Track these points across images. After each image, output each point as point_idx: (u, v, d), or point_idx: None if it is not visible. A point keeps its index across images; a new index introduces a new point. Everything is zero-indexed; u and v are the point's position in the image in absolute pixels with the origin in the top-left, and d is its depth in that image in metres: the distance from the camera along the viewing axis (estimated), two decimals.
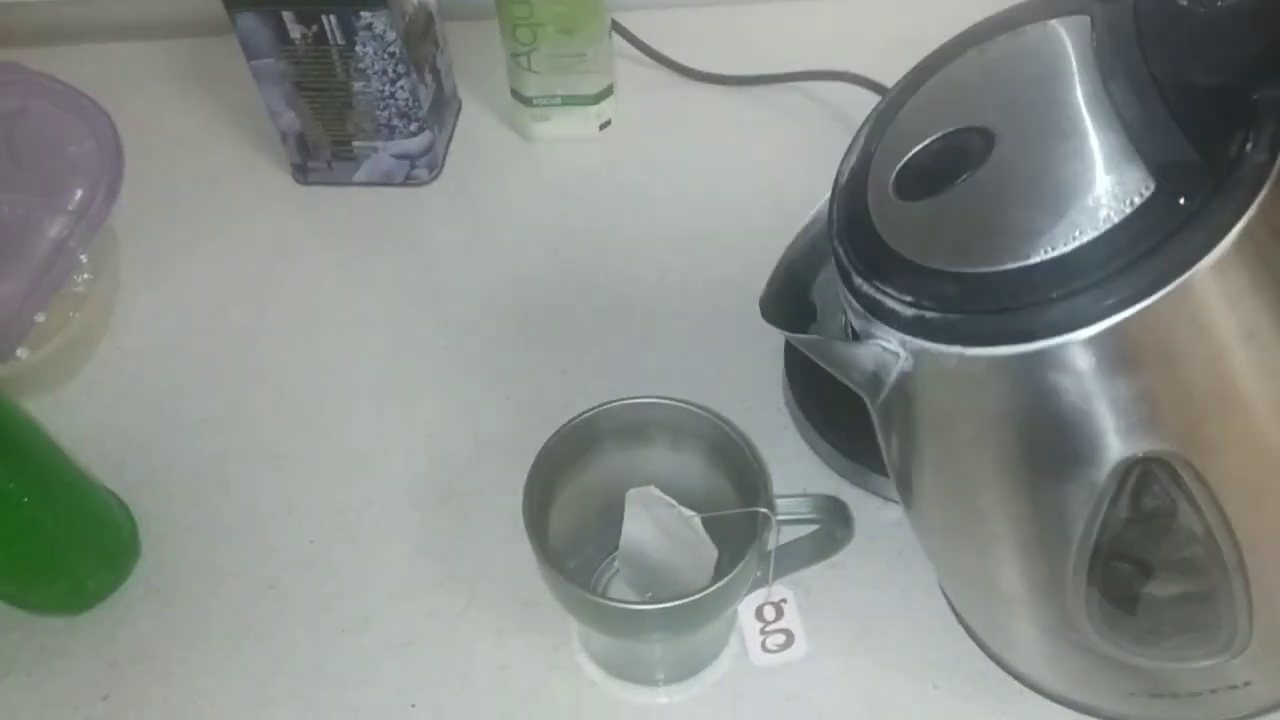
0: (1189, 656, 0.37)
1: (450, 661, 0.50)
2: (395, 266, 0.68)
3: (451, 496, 0.56)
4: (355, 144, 0.69)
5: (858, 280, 0.32)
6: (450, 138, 0.75)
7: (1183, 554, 0.33)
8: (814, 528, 0.46)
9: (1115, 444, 0.31)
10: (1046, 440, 0.32)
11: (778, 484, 0.54)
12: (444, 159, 0.73)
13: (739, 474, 0.44)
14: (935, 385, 0.33)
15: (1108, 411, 0.30)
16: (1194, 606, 0.36)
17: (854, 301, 0.33)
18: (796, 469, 0.56)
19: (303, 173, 0.72)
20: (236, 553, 0.54)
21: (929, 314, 0.30)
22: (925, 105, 0.36)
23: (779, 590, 0.47)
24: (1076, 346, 0.29)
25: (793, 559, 0.47)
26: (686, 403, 0.46)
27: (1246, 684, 0.39)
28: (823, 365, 0.36)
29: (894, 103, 0.37)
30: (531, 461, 0.44)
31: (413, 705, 0.48)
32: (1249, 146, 0.28)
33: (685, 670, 0.49)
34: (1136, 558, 0.34)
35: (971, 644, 0.49)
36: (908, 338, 0.31)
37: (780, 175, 0.72)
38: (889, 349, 0.32)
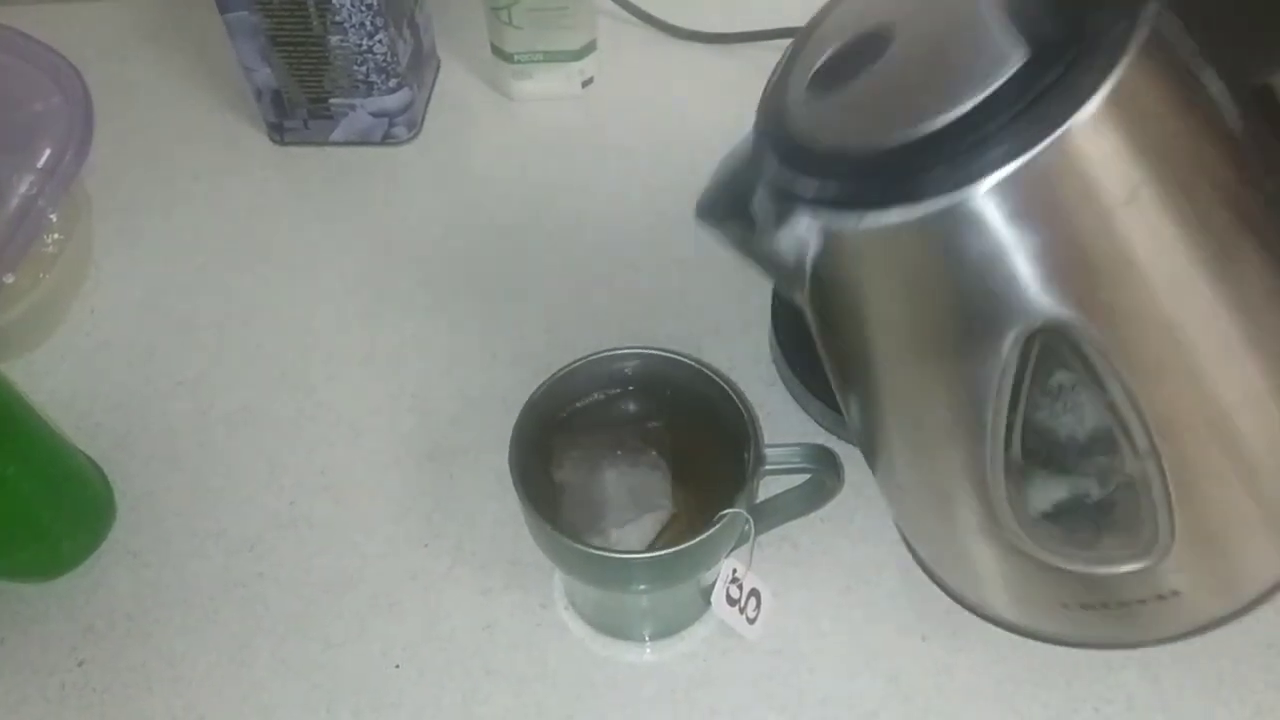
0: (1114, 559, 0.37)
1: (435, 621, 0.49)
2: (375, 226, 0.66)
3: (436, 455, 0.55)
4: (332, 101, 0.68)
5: (773, 169, 0.35)
6: (429, 96, 0.73)
7: (1093, 438, 0.34)
8: (804, 478, 0.45)
9: (1014, 313, 0.31)
10: (947, 314, 0.33)
11: (773, 434, 0.54)
12: (423, 118, 0.72)
13: (729, 424, 0.43)
14: (846, 266, 0.35)
15: (1003, 280, 0.31)
16: (1113, 499, 0.36)
17: (770, 190, 0.35)
18: (783, 425, 0.55)
19: (279, 132, 0.70)
20: (216, 514, 0.53)
21: (830, 186, 0.33)
22: (843, 13, 0.39)
23: (751, 580, 0.47)
24: (962, 208, 0.30)
25: (782, 511, 0.47)
26: (674, 353, 0.45)
27: (1175, 593, 0.39)
28: (754, 265, 0.38)
29: (821, 12, 0.40)
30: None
31: (397, 666, 0.48)
32: (1111, 15, 0.30)
33: (672, 626, 0.48)
34: (1050, 443, 0.35)
35: None
36: (815, 217, 0.33)
37: None
38: (802, 234, 0.34)
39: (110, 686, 0.48)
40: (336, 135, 0.70)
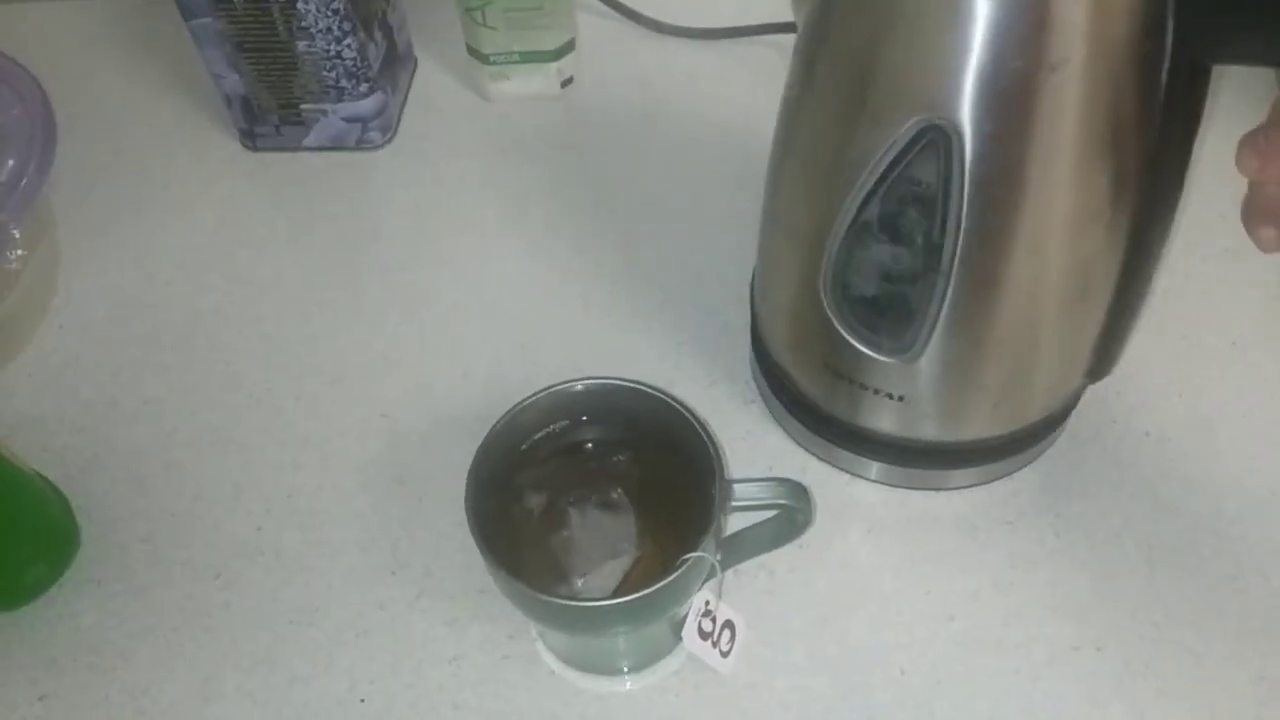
0: (879, 346, 0.45)
1: (402, 653, 0.48)
2: (349, 235, 0.65)
3: (405, 478, 0.53)
4: (303, 107, 0.66)
5: None
6: (405, 99, 0.72)
7: (924, 234, 0.40)
8: (773, 513, 0.44)
9: (927, 102, 0.36)
10: (888, 80, 0.38)
11: (743, 459, 0.53)
12: (398, 121, 0.70)
13: (696, 458, 0.42)
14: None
15: (938, 68, 0.36)
16: (907, 290, 0.42)
17: None
18: (761, 444, 0.54)
19: (250, 138, 0.69)
20: (181, 541, 0.52)
21: None
22: None
23: (724, 611, 0.45)
24: None
25: (751, 545, 0.45)
26: (639, 383, 0.43)
27: (901, 398, 0.46)
28: None
29: None
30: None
31: (362, 700, 0.47)
32: None
33: (644, 660, 0.47)
34: (884, 228, 0.41)
35: (940, 627, 0.47)
36: None
37: (751, 133, 0.68)
38: None
39: None
40: (309, 141, 0.68)
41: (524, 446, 0.44)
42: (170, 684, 0.48)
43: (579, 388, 0.43)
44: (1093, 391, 0.52)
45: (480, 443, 0.42)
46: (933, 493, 0.52)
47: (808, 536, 0.48)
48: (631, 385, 0.43)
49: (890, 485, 0.52)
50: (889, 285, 0.43)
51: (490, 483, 0.42)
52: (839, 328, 0.45)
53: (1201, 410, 0.54)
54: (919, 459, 0.50)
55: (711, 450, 0.41)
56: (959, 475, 0.51)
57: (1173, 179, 0.40)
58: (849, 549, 0.50)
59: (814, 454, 0.53)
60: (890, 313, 0.43)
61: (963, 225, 0.38)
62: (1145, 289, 0.44)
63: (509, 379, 0.57)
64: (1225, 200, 0.39)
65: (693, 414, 0.42)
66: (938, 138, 0.37)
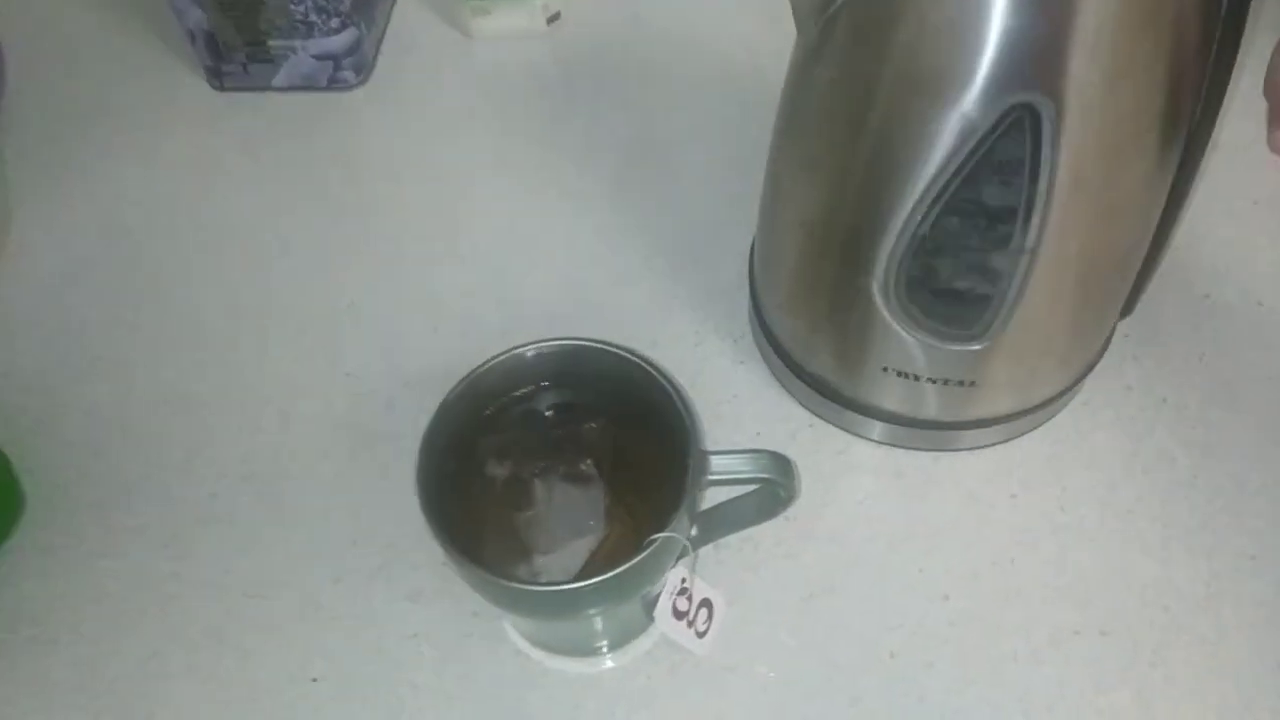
0: (949, 337, 0.42)
1: (359, 629, 0.45)
2: (320, 181, 0.61)
3: (369, 443, 0.50)
4: (271, 44, 0.62)
5: None
6: (381, 36, 0.67)
7: (1006, 215, 0.37)
8: (754, 487, 0.40)
9: (1012, 81, 0.34)
10: (957, 66, 0.35)
11: (736, 416, 0.50)
12: (374, 60, 0.66)
13: (672, 426, 0.38)
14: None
15: (1017, 51, 0.33)
16: (985, 275, 0.40)
17: None
18: (753, 408, 0.50)
19: (217, 77, 0.65)
20: (132, 507, 0.49)
21: None
22: None
23: (701, 589, 0.42)
24: None
25: (730, 521, 0.42)
26: (609, 344, 0.40)
27: (972, 383, 0.44)
28: None
29: None
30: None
31: (314, 679, 0.44)
32: None
33: (616, 640, 0.44)
34: (959, 218, 0.38)
35: (934, 606, 0.44)
36: None
37: (749, 71, 0.64)
38: None
39: (11, 697, 0.44)
40: (279, 81, 0.64)
41: (487, 411, 0.40)
42: (115, 659, 0.45)
43: (541, 350, 0.40)
44: (1106, 355, 0.48)
45: (433, 414, 0.38)
46: (933, 461, 0.48)
47: (796, 507, 0.45)
48: (600, 346, 0.40)
49: (891, 445, 0.48)
50: (964, 274, 0.40)
51: (448, 453, 0.38)
52: (898, 327, 0.42)
53: (1223, 375, 0.50)
54: (930, 421, 0.47)
55: (686, 420, 0.38)
56: (969, 436, 0.48)
57: (1213, 109, 0.38)
58: (840, 521, 0.47)
59: (818, 414, 0.49)
60: (963, 302, 0.41)
61: (1051, 200, 0.36)
62: (1178, 221, 0.43)
63: (485, 335, 0.52)
64: (1252, 152, 0.36)
65: (667, 378, 0.39)
66: (1025, 115, 0.34)
